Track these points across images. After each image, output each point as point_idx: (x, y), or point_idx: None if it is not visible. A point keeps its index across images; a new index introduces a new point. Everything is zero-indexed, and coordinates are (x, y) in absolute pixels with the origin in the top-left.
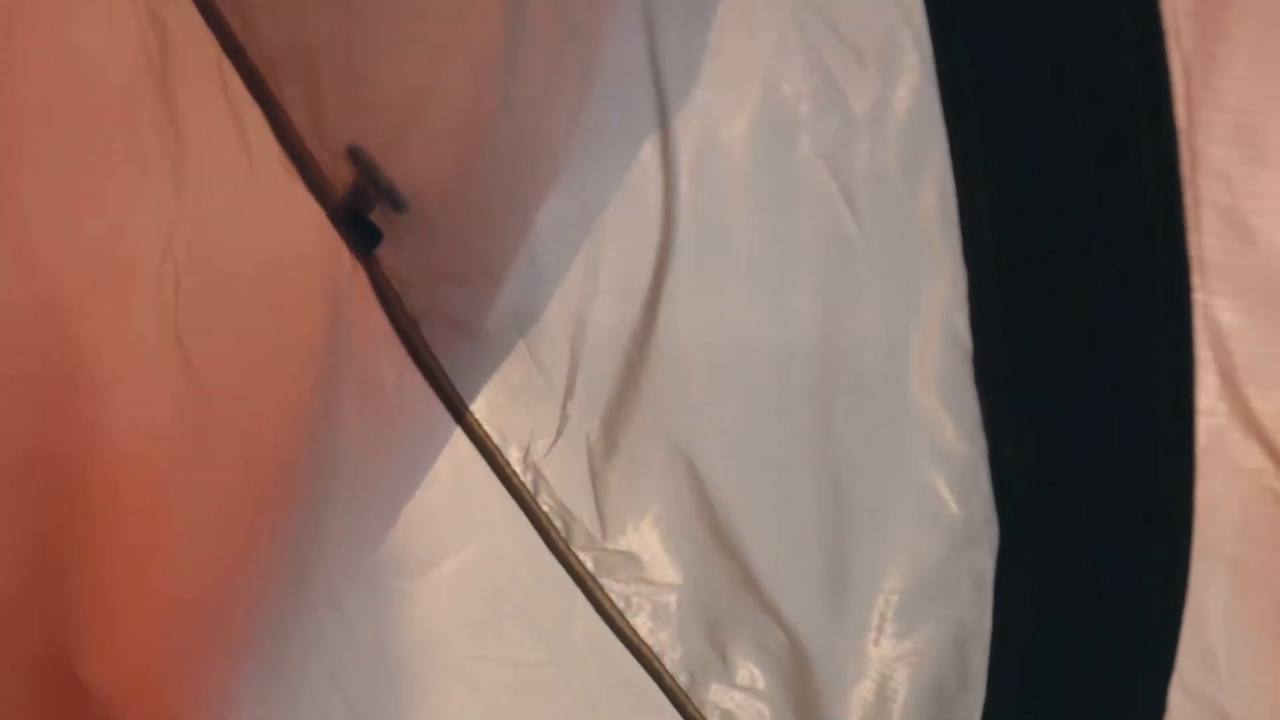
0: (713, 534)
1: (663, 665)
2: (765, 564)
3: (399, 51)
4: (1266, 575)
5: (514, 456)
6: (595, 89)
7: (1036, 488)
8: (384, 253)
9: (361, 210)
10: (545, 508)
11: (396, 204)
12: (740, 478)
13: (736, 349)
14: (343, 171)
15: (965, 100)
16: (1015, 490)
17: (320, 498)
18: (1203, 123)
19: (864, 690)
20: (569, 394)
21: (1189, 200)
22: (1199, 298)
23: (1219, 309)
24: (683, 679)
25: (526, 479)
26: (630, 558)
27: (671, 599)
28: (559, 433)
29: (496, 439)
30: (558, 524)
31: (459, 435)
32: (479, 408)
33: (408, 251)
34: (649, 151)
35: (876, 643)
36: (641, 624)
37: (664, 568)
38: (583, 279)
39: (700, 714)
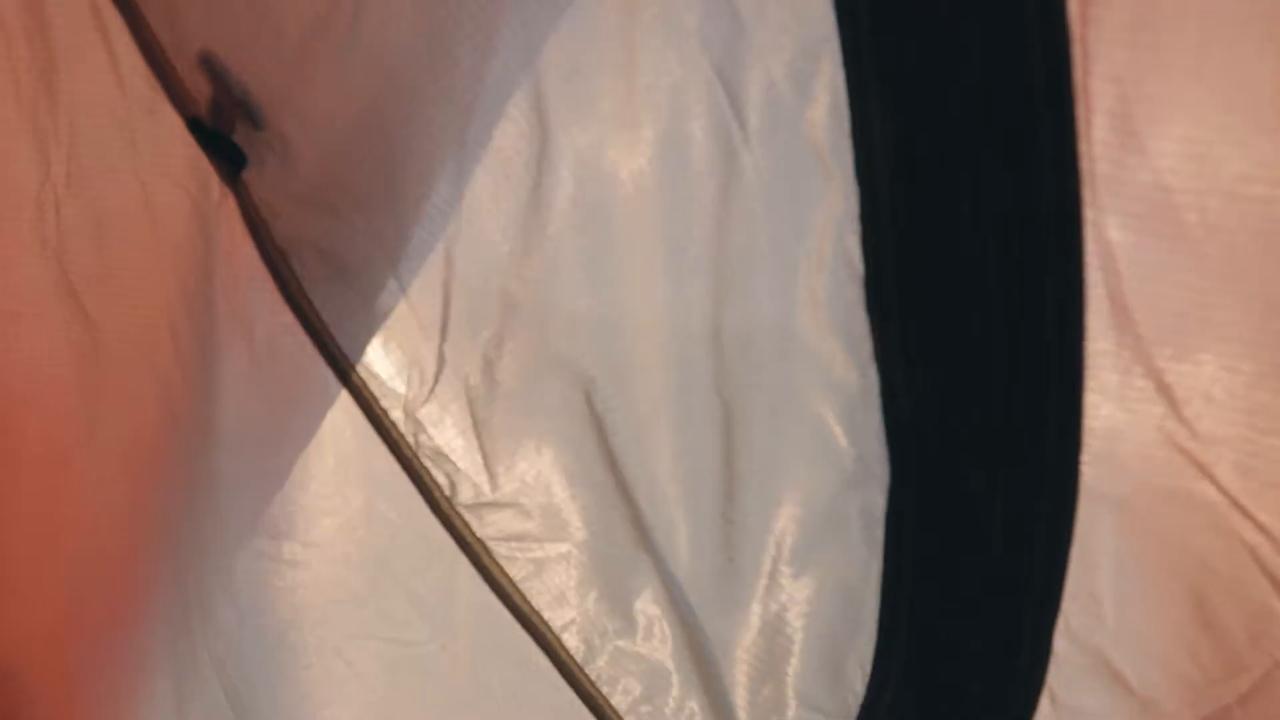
0: (610, 472)
1: (556, 636)
2: (659, 509)
3: None
4: (1155, 523)
5: (391, 405)
6: None
7: (926, 420)
8: (250, 176)
9: (222, 128)
10: (427, 462)
11: (254, 119)
12: (634, 413)
13: (624, 276)
14: (202, 85)
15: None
16: (906, 423)
17: (209, 447)
18: (1094, 20)
19: (758, 636)
20: (444, 335)
21: (1080, 109)
22: (1089, 214)
23: (1108, 227)
24: (578, 648)
25: (407, 431)
26: (521, 511)
27: (569, 554)
28: (436, 378)
29: (374, 386)
30: (440, 479)
31: (332, 378)
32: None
33: (270, 174)
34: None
35: (770, 588)
36: (533, 589)
37: (564, 518)
38: (451, 207)
39: (596, 687)
